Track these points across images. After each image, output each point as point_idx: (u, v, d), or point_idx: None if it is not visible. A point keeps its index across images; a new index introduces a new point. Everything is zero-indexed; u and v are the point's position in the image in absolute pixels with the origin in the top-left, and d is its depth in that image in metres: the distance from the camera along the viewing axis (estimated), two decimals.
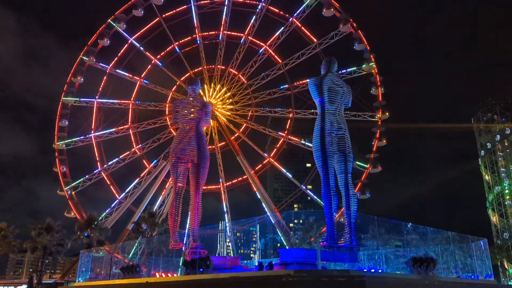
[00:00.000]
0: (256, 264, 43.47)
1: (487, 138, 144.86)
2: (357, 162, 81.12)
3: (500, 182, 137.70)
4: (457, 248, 42.24)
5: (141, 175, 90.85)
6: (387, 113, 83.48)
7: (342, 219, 40.91)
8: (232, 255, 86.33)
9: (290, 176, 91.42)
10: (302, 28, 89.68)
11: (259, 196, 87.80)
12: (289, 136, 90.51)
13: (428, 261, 32.45)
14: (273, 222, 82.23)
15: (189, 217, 47.08)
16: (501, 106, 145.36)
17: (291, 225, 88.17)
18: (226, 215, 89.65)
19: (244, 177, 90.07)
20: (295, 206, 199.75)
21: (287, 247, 73.63)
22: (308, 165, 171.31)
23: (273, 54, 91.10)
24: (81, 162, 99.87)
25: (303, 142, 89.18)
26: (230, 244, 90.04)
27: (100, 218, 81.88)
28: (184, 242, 48.52)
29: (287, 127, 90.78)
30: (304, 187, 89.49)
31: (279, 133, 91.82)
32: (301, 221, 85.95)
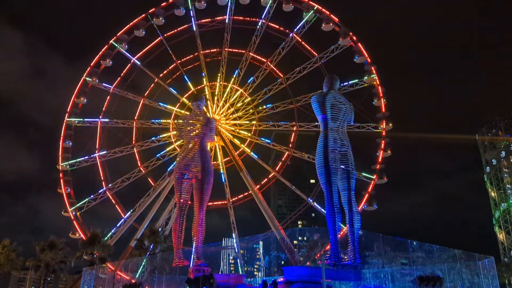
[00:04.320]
0: (260, 282, 43.02)
1: (492, 154, 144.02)
2: (362, 173, 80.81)
3: (506, 199, 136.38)
4: (463, 266, 41.62)
5: (147, 194, 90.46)
6: (391, 124, 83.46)
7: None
8: (240, 272, 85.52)
9: (297, 189, 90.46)
10: (303, 43, 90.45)
11: (263, 213, 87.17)
12: (294, 150, 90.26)
13: (434, 280, 32.12)
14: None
15: (192, 233, 46.81)
16: (506, 122, 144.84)
17: (295, 242, 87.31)
18: (233, 231, 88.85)
19: (249, 193, 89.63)
20: (299, 222, 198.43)
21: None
22: (312, 181, 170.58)
23: (275, 69, 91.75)
24: (85, 182, 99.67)
25: (308, 155, 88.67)
26: (238, 260, 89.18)
27: (106, 238, 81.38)
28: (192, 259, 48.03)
29: (291, 141, 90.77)
30: (311, 200, 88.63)
31: (284, 146, 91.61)
32: (305, 238, 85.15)
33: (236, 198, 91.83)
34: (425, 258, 44.20)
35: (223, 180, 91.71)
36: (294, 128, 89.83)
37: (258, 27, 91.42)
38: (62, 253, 72.40)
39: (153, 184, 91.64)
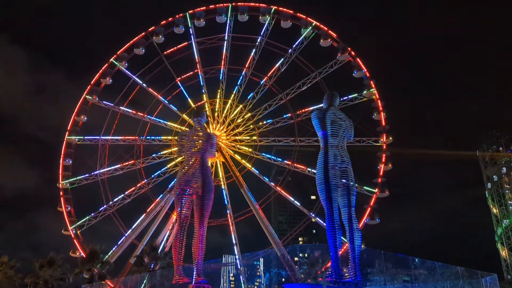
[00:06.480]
0: None
1: (493, 170, 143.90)
2: (364, 187, 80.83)
3: (508, 215, 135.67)
4: (466, 284, 41.24)
5: (148, 211, 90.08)
6: (391, 138, 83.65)
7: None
8: None
9: (299, 204, 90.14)
10: (301, 58, 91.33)
11: (263, 229, 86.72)
12: (295, 164, 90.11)
13: None
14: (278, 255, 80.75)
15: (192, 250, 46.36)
16: (506, 139, 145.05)
17: (296, 259, 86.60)
18: (235, 247, 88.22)
19: (249, 209, 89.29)
20: (300, 239, 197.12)
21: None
22: (313, 197, 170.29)
23: (274, 85, 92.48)
24: (86, 199, 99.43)
25: (309, 169, 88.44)
26: (240, 277, 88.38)
27: (107, 256, 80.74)
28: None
29: (292, 156, 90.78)
30: (313, 215, 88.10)
31: (285, 161, 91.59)
32: (306, 255, 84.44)
33: (237, 214, 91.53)
34: (427, 275, 43.84)
35: (225, 197, 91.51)
36: (295, 143, 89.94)
37: (257, 43, 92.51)
38: (61, 270, 71.77)
39: (154, 200, 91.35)
